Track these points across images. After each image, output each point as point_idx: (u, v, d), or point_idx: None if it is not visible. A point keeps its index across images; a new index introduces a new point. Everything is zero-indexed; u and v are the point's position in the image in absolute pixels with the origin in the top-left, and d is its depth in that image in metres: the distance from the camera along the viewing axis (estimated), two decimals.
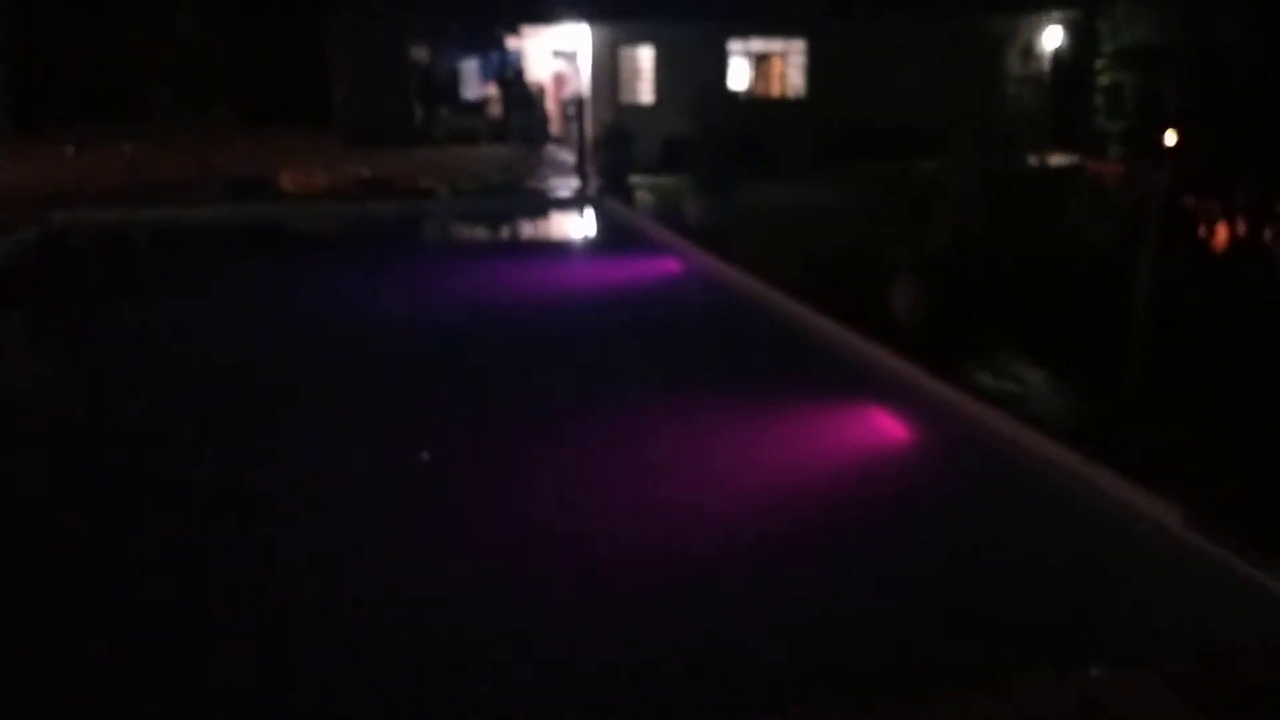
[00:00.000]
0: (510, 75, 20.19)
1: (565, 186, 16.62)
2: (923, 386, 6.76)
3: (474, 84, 22.08)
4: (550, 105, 21.38)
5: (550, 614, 4.12)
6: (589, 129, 18.24)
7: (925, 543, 4.81)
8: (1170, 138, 7.08)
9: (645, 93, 21.69)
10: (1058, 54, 21.02)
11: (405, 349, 8.23)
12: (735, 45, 21.49)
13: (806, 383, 7.47)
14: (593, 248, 14.44)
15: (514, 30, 21.86)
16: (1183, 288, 7.39)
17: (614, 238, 14.31)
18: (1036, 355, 7.50)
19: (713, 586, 4.38)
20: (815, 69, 21.38)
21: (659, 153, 18.69)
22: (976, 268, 9.53)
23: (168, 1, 19.78)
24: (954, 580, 4.46)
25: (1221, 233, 8.85)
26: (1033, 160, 13.69)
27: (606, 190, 15.81)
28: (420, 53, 20.55)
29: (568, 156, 18.53)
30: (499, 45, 21.63)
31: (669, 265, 12.12)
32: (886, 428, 6.78)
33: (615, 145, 16.53)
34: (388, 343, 8.37)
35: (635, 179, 16.64)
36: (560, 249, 14.37)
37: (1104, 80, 17.65)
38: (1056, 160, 16.36)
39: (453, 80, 21.59)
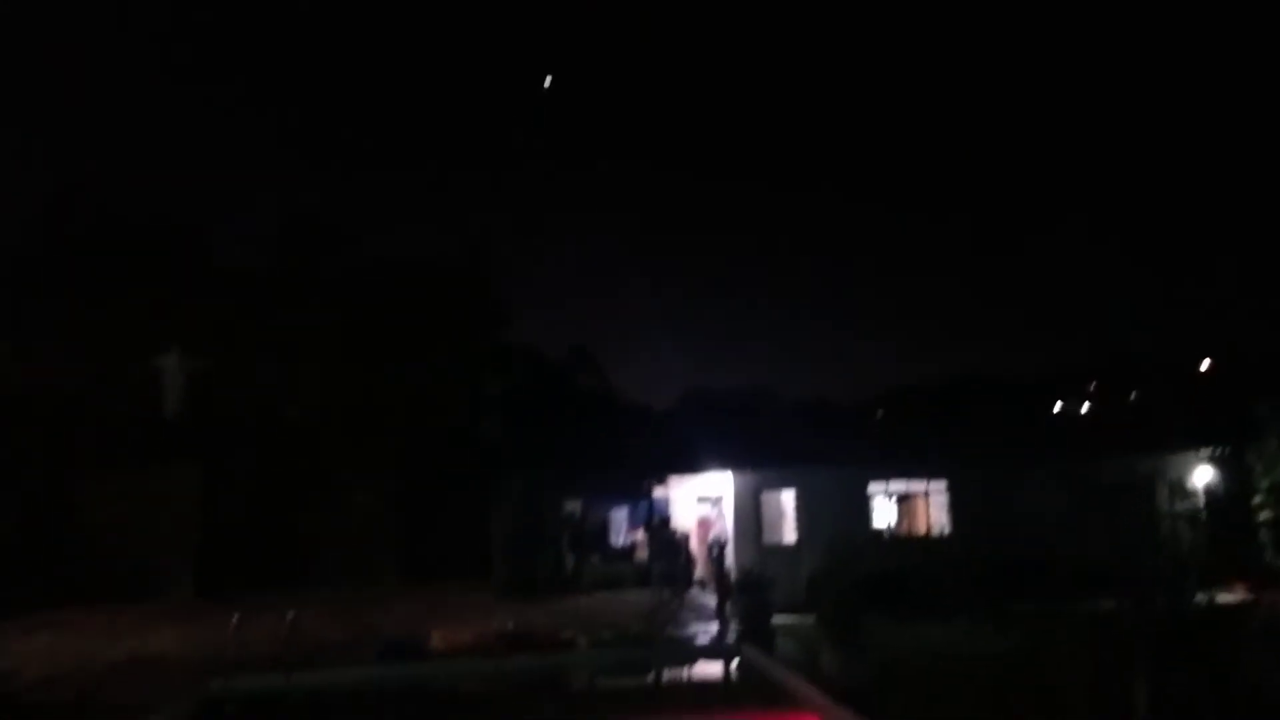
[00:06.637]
0: (656, 522, 21.18)
1: (705, 633, 16.59)
2: None
3: (622, 531, 23.25)
4: (695, 547, 22.01)
5: None
6: (731, 573, 18.54)
7: None
8: None
9: (788, 533, 22.13)
10: (1209, 490, 20.40)
11: None
12: (876, 486, 22.04)
13: None
14: (727, 703, 13.99)
15: (661, 481, 23.30)
16: None
17: (750, 691, 13.86)
18: None
19: None
20: (958, 508, 21.47)
21: (803, 592, 18.65)
22: None
23: (345, 480, 22.39)
24: None
25: None
26: (1200, 598, 12.93)
27: (746, 637, 15.64)
28: (573, 505, 22.03)
29: (710, 600, 18.68)
30: (647, 495, 23.02)
31: None
32: None
33: (754, 591, 16.64)
34: None
35: (780, 619, 16.48)
36: (693, 705, 13.97)
37: (1265, 515, 17.00)
38: (1224, 598, 15.35)
39: (603, 529, 22.83)
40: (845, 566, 16.42)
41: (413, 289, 27.22)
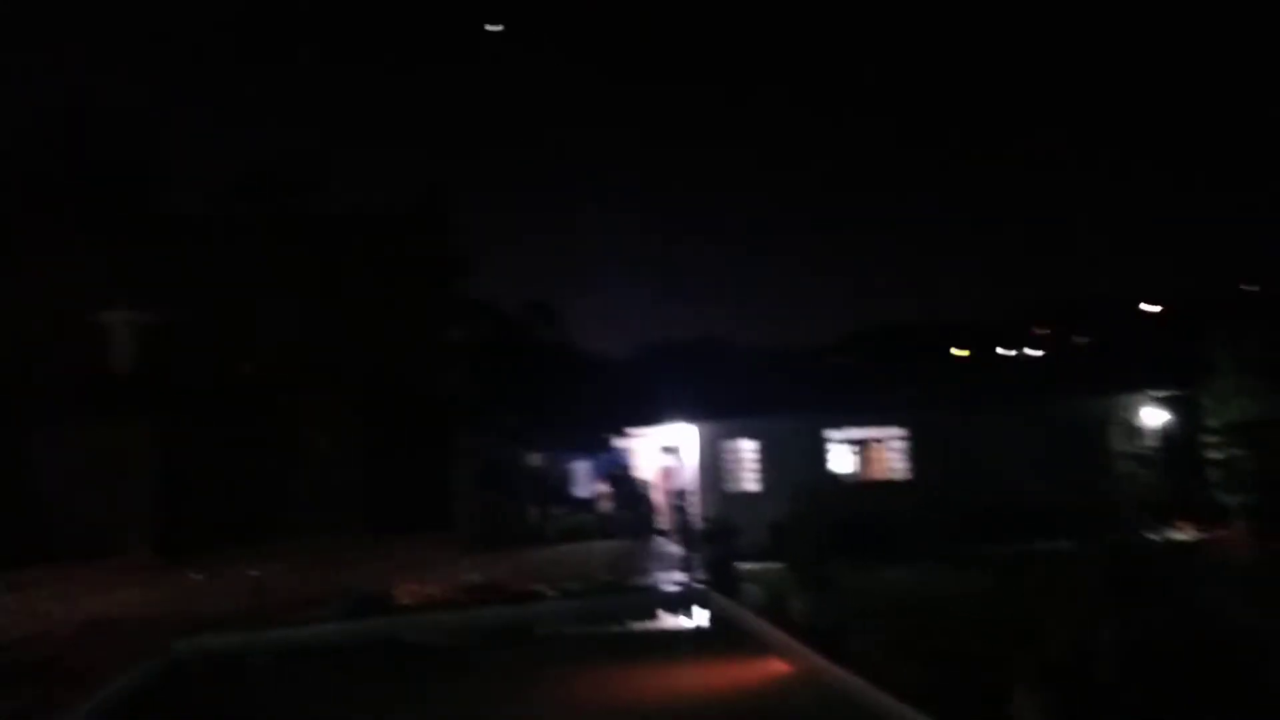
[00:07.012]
0: (618, 472, 21.27)
1: (671, 581, 16.73)
2: None
3: (585, 483, 23.32)
4: (658, 498, 22.13)
5: None
6: (694, 522, 18.67)
7: None
8: None
9: (750, 481, 22.27)
10: (1163, 430, 20.79)
11: None
12: (834, 434, 22.21)
13: None
14: (696, 648, 14.15)
15: (621, 434, 23.33)
16: None
17: (719, 637, 14.07)
18: None
19: None
20: (917, 453, 21.72)
21: (767, 539, 18.84)
22: (1109, 669, 8.94)
23: (306, 436, 22.15)
24: None
25: None
26: (1153, 536, 13.24)
27: (712, 584, 15.81)
28: (535, 457, 22.02)
29: (675, 549, 18.83)
30: (608, 446, 23.08)
31: (776, 667, 11.78)
32: None
33: (719, 539, 16.79)
34: None
35: (744, 566, 16.66)
36: (662, 650, 14.11)
37: (1215, 455, 17.30)
38: (1177, 536, 15.74)
39: (566, 481, 22.90)
40: (810, 513, 16.55)
41: (370, 239, 26.76)
